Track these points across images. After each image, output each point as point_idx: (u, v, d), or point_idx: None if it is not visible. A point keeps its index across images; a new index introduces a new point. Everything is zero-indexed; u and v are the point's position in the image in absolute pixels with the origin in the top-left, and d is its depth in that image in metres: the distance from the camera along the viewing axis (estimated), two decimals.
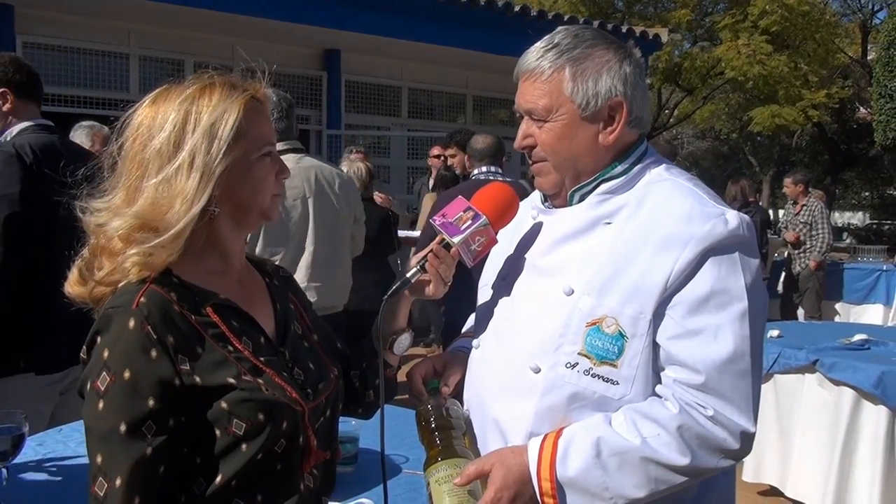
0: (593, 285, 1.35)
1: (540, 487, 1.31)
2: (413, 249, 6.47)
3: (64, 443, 2.16)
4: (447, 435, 1.43)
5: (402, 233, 6.50)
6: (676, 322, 1.31)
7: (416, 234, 6.56)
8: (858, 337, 4.16)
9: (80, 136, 4.31)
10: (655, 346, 1.33)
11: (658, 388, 1.34)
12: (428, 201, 6.83)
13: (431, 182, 7.02)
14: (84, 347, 1.20)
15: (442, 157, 7.19)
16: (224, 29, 8.23)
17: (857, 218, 33.86)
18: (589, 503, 1.31)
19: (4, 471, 1.73)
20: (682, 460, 1.28)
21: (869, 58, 21.15)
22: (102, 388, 1.13)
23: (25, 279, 2.62)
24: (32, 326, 2.65)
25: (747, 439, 1.32)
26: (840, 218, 32.40)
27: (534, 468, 1.32)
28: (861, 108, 23.28)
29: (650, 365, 1.34)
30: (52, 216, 2.61)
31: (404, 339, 1.52)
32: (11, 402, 2.53)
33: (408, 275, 1.45)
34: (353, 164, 5.11)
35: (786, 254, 8.39)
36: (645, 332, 1.32)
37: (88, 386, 1.15)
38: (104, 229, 1.23)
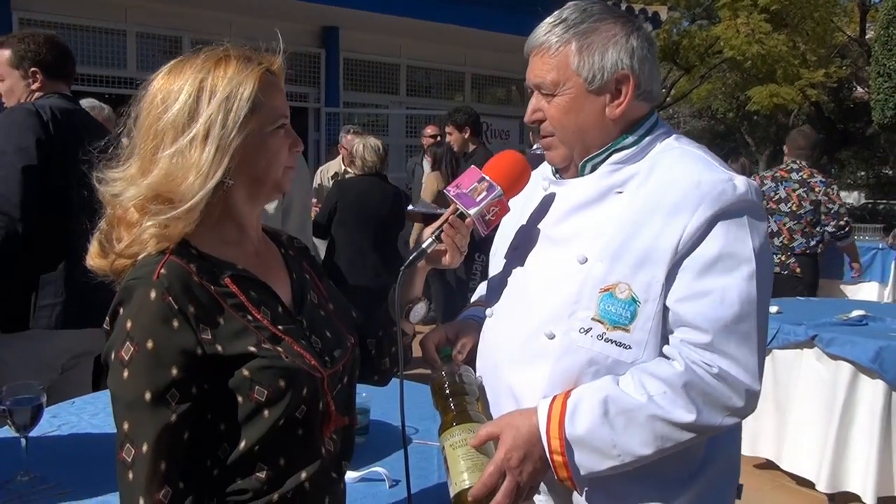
0: (606, 252, 1.38)
1: (549, 446, 1.34)
2: (415, 225, 6.51)
3: (77, 415, 2.19)
4: (461, 401, 1.46)
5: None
6: (685, 284, 1.34)
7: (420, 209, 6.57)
8: (856, 313, 4.20)
9: None
10: (666, 310, 1.36)
11: (665, 349, 1.37)
12: (432, 180, 6.80)
13: (427, 161, 6.99)
14: (107, 318, 1.21)
15: (438, 137, 7.21)
16: (221, 5, 8.19)
17: (852, 197, 33.90)
18: (597, 460, 1.34)
19: (24, 441, 1.75)
20: (688, 417, 1.32)
21: (867, 36, 21.08)
22: (127, 358, 1.15)
23: (40, 233, 2.71)
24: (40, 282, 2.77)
25: (752, 397, 1.35)
26: None
27: (543, 427, 1.35)
28: (858, 87, 23.24)
29: (661, 329, 1.37)
30: (65, 176, 2.74)
31: (420, 308, 1.55)
32: (23, 358, 2.60)
33: (423, 245, 1.47)
34: (368, 140, 5.06)
35: None
36: (657, 296, 1.35)
37: (113, 356, 1.17)
38: (119, 199, 1.25)
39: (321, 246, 5.35)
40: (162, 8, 8.20)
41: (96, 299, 2.55)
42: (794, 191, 5.52)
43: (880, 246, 8.02)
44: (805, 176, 5.52)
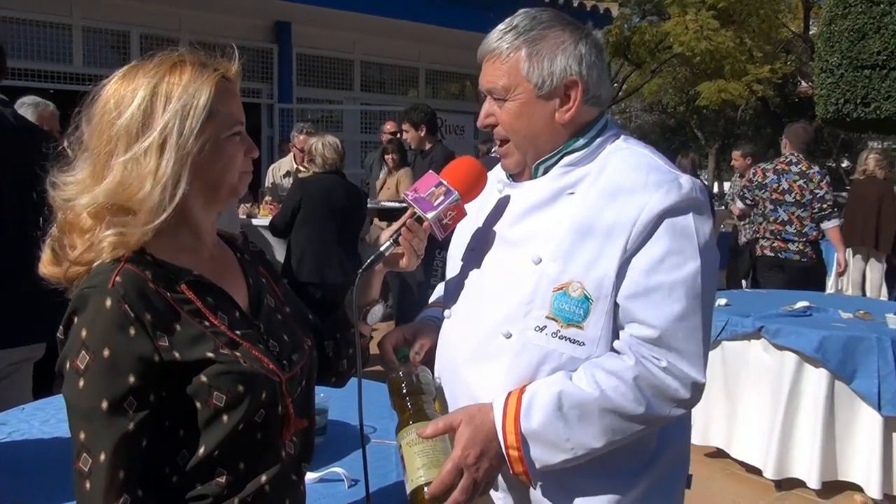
0: (559, 252, 1.41)
1: (505, 441, 1.38)
2: (374, 222, 6.51)
3: (28, 422, 2.15)
4: (418, 400, 1.48)
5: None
6: (634, 281, 1.39)
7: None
8: (801, 304, 4.34)
9: (25, 113, 4.17)
10: (617, 307, 1.41)
11: (615, 344, 1.42)
12: (404, 176, 6.73)
13: (390, 158, 6.97)
14: (61, 328, 1.20)
15: (397, 133, 7.21)
16: (171, 0, 8.05)
17: None
18: (551, 454, 1.38)
19: None
20: (638, 409, 1.37)
21: (811, 32, 21.64)
22: (82, 367, 1.14)
23: None
24: None
25: (697, 389, 1.41)
26: None
27: (499, 423, 1.38)
28: (803, 82, 23.85)
29: (613, 325, 1.41)
30: None
31: (377, 310, 1.57)
32: None
33: (381, 248, 1.49)
34: (326, 138, 5.01)
35: (732, 226, 8.62)
36: (609, 294, 1.39)
37: (68, 365, 1.16)
38: (71, 204, 1.24)
39: (279, 246, 5.31)
40: (110, 2, 8.02)
41: (29, 315, 2.47)
42: (795, 181, 5.85)
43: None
44: (804, 168, 5.86)
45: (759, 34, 19.39)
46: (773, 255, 5.94)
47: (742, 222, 8.28)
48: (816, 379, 3.85)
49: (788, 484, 3.99)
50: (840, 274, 6.35)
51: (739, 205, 6.55)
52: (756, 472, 4.09)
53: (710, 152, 25.75)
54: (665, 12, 19.75)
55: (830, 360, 3.77)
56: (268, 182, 6.71)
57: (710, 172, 25.83)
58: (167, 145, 1.21)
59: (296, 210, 4.91)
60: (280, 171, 6.66)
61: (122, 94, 1.23)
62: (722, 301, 4.51)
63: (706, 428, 4.32)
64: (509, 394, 1.41)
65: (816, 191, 5.78)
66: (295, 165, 6.46)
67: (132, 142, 1.21)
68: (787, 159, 5.96)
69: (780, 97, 23.86)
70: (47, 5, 7.79)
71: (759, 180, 6.01)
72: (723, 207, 9.01)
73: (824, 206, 5.79)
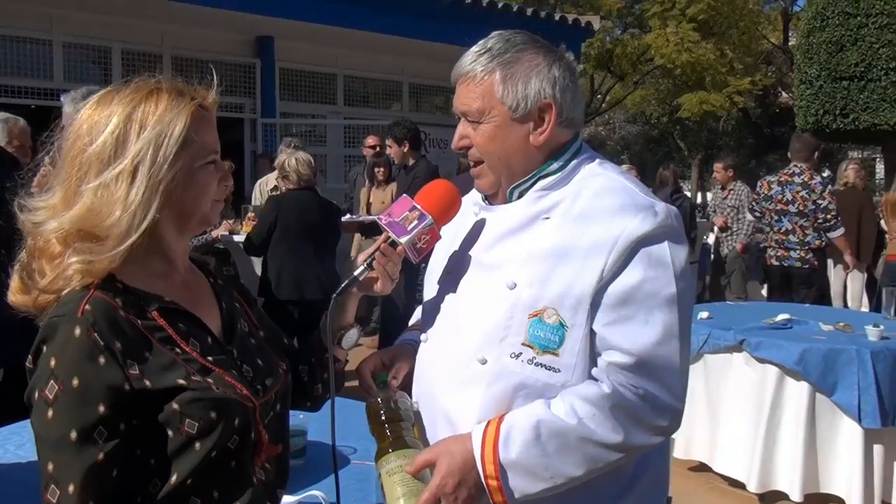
0: (534, 278, 1.41)
1: (484, 470, 1.37)
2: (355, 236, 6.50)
3: (2, 445, 2.13)
4: (397, 427, 1.47)
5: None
6: (611, 309, 1.38)
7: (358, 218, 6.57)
8: (782, 317, 4.36)
9: None
10: (593, 334, 1.40)
11: (593, 371, 1.41)
12: (364, 194, 6.85)
13: (381, 172, 7.01)
14: (30, 357, 1.19)
15: (377, 147, 7.23)
16: (152, 14, 8.03)
17: None
18: (531, 483, 1.37)
19: None
20: (616, 437, 1.36)
21: (790, 44, 21.89)
22: (51, 397, 1.13)
23: None
24: None
25: (675, 416, 1.41)
26: None
27: (478, 452, 1.37)
28: (783, 93, 24.11)
29: (589, 352, 1.41)
30: None
31: (352, 334, 1.56)
32: None
33: (355, 273, 1.48)
34: (298, 154, 5.01)
35: (713, 237, 8.68)
36: (584, 321, 1.39)
37: (36, 395, 1.15)
38: (41, 230, 1.22)
39: (256, 263, 5.28)
40: (90, 17, 7.98)
41: None
42: (797, 192, 6.04)
43: None
44: (806, 179, 6.04)
45: (740, 46, 19.64)
46: (777, 263, 6.20)
47: (724, 234, 8.35)
48: (797, 392, 3.86)
49: (772, 497, 4.00)
50: (851, 271, 6.57)
51: (720, 217, 6.69)
52: (739, 485, 4.09)
53: (693, 163, 25.93)
54: (646, 25, 19.95)
55: (811, 373, 3.79)
56: (255, 197, 6.69)
57: (693, 183, 26.01)
58: (139, 172, 1.20)
59: (272, 227, 4.88)
60: (268, 185, 6.66)
61: (96, 119, 1.22)
62: (704, 314, 4.53)
63: (689, 442, 4.32)
64: (488, 423, 1.40)
65: (819, 201, 5.96)
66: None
67: (103, 168, 1.20)
68: (791, 170, 6.15)
69: (762, 108, 24.11)
70: (27, 20, 7.75)
71: (766, 192, 6.25)
72: (705, 219, 9.07)
73: (828, 216, 5.96)
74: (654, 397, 1.37)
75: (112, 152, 1.20)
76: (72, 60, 8.21)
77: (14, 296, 1.25)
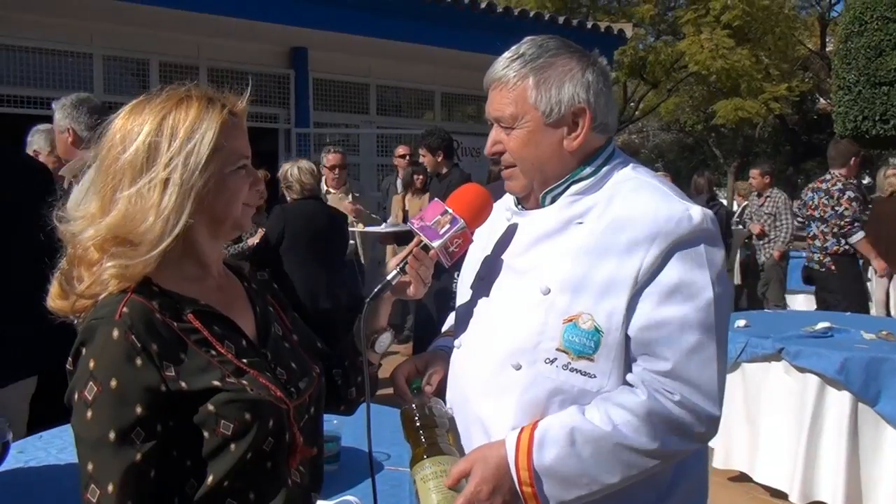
0: (568, 283, 1.39)
1: (518, 477, 1.35)
2: (390, 249, 6.53)
3: (45, 449, 2.16)
4: (431, 433, 1.47)
5: (371, 228, 6.53)
6: (646, 314, 1.36)
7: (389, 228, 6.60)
8: (822, 325, 4.27)
9: (39, 140, 4.22)
10: (628, 339, 1.38)
11: (628, 377, 1.39)
12: (397, 202, 6.88)
13: (399, 182, 7.05)
14: (69, 359, 1.21)
15: (407, 157, 7.26)
16: (189, 28, 8.16)
17: None
18: (565, 490, 1.36)
19: None
20: (652, 444, 1.34)
21: (828, 49, 21.56)
22: (90, 398, 1.15)
23: None
24: None
25: (713, 423, 1.38)
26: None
27: (512, 459, 1.36)
28: (821, 99, 23.74)
29: (624, 357, 1.39)
30: None
31: (385, 338, 1.56)
32: None
33: (388, 277, 1.49)
34: (300, 163, 4.85)
35: (751, 244, 8.55)
36: (619, 326, 1.37)
37: (76, 397, 1.17)
38: (79, 238, 1.25)
39: None
40: (129, 31, 8.15)
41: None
42: (821, 199, 6.27)
43: None
44: (829, 185, 6.21)
45: (776, 52, 19.37)
46: (807, 265, 6.55)
47: (761, 241, 8.22)
48: (839, 401, 3.78)
49: None
50: (882, 276, 6.55)
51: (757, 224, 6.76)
52: (781, 496, 4.01)
53: (729, 170, 25.60)
54: (680, 32, 19.79)
55: (853, 383, 3.70)
56: None
57: (728, 191, 25.68)
58: (171, 179, 1.22)
59: (280, 238, 4.84)
60: None
61: (129, 128, 1.25)
62: (741, 322, 4.46)
63: (728, 452, 4.25)
64: (522, 429, 1.39)
65: (836, 207, 6.07)
66: (326, 187, 6.54)
67: (137, 176, 1.22)
68: (824, 178, 6.35)
69: (799, 114, 23.76)
70: (69, 35, 7.93)
71: (803, 199, 6.53)
72: (741, 226, 8.93)
73: (842, 222, 6.06)
74: (690, 403, 1.35)
75: (145, 160, 1.22)
76: (111, 73, 8.38)
77: (53, 301, 1.27)
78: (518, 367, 1.42)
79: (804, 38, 22.47)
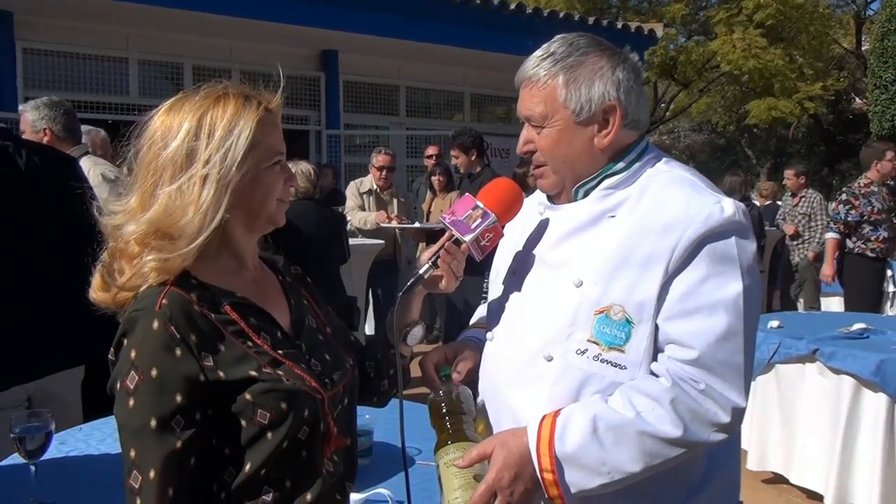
0: (600, 276, 1.40)
1: (539, 464, 1.36)
2: (421, 246, 6.56)
3: (85, 441, 2.22)
4: (457, 420, 1.49)
5: (405, 226, 6.57)
6: (674, 304, 1.37)
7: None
8: (857, 326, 4.21)
9: None
10: (657, 329, 1.39)
11: (653, 367, 1.40)
12: (427, 203, 6.91)
13: (436, 180, 7.07)
14: (112, 349, 1.24)
15: (435, 157, 7.29)
16: (221, 31, 8.28)
17: None
18: (587, 478, 1.36)
19: (33, 468, 1.78)
20: (675, 433, 1.34)
21: (864, 48, 21.20)
22: (132, 387, 1.18)
23: None
24: None
25: (737, 413, 1.38)
26: None
27: (533, 446, 1.37)
28: (857, 98, 23.35)
29: (654, 348, 1.39)
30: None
31: (417, 331, 1.58)
32: None
33: (420, 271, 1.51)
34: (299, 166, 4.79)
35: (785, 246, 8.44)
36: (650, 317, 1.37)
37: (118, 385, 1.20)
38: (120, 232, 1.28)
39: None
40: (163, 35, 8.29)
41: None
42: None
43: None
44: (846, 188, 6.55)
45: (810, 51, 19.08)
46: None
47: (794, 242, 8.11)
48: (875, 403, 3.72)
49: None
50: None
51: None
52: (816, 497, 3.96)
53: (762, 171, 25.27)
54: (711, 31, 19.58)
55: (889, 384, 3.64)
56: (352, 198, 6.85)
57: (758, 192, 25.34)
58: (210, 176, 1.25)
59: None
60: (362, 188, 6.82)
61: (168, 126, 1.28)
62: (774, 323, 4.41)
63: (762, 453, 4.20)
64: (544, 417, 1.39)
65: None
66: (375, 185, 6.71)
67: (177, 172, 1.25)
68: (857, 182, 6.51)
69: (834, 114, 23.38)
70: (105, 40, 8.09)
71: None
72: (774, 227, 8.82)
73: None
74: (715, 393, 1.35)
75: (185, 157, 1.26)
76: (146, 77, 8.53)
77: (95, 293, 1.31)
78: (549, 359, 1.43)
79: (839, 37, 22.10)
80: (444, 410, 1.50)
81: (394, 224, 6.47)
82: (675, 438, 1.34)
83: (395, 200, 6.76)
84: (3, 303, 2.49)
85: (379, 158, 6.65)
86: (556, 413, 1.39)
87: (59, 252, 2.44)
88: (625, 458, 1.34)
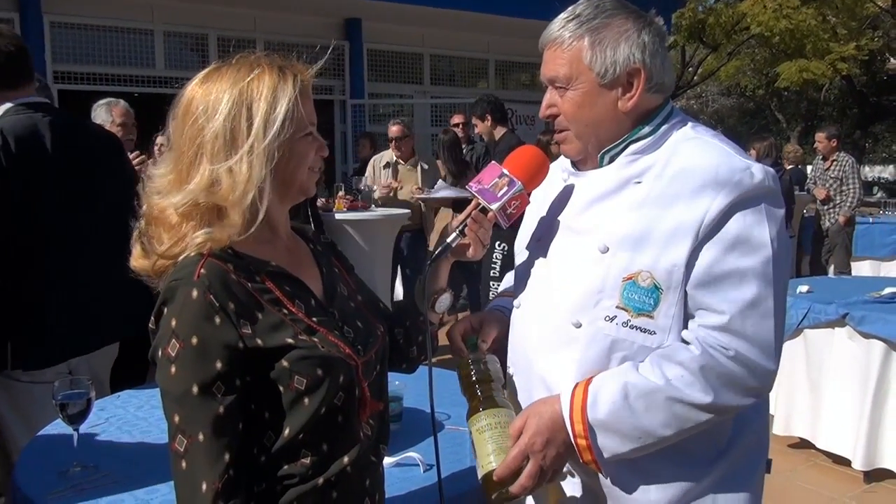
0: (627, 242, 1.41)
1: (573, 430, 1.39)
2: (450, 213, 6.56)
3: (123, 407, 2.28)
4: (487, 387, 1.52)
5: (428, 195, 6.56)
6: (704, 270, 1.37)
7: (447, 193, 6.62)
8: (888, 290, 4.17)
9: (101, 113, 4.41)
10: (687, 295, 1.40)
11: (683, 334, 1.41)
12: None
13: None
14: (152, 318, 1.28)
15: (461, 125, 7.27)
16: (245, 2, 8.28)
17: (887, 171, 33.21)
18: (620, 443, 1.39)
19: (75, 433, 1.85)
20: (705, 398, 1.35)
21: None
22: (173, 354, 1.22)
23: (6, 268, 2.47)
24: (18, 320, 2.51)
25: (768, 377, 1.39)
26: (870, 172, 31.76)
27: (566, 413, 1.40)
28: (891, 59, 22.74)
29: (684, 315, 1.41)
30: (33, 202, 2.49)
31: (445, 299, 1.61)
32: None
33: (448, 240, 1.53)
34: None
35: (814, 210, 8.33)
36: (679, 283, 1.38)
37: (160, 353, 1.24)
38: (159, 202, 1.31)
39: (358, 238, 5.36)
40: (188, 6, 8.31)
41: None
42: None
43: None
44: None
45: (843, 10, 18.54)
46: None
47: (825, 206, 8.00)
48: None
49: (878, 475, 3.86)
50: None
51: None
52: (841, 461, 3.97)
53: (793, 135, 24.79)
54: None
55: None
56: (368, 173, 6.88)
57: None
58: (253, 149, 1.27)
59: None
60: (381, 161, 6.84)
61: (208, 99, 1.29)
62: (803, 288, 4.38)
63: (788, 418, 4.21)
64: (576, 385, 1.42)
65: None
66: (395, 158, 6.76)
67: (220, 146, 1.27)
68: None
69: (868, 75, 22.81)
70: (130, 12, 8.13)
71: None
72: (805, 192, 8.69)
73: None
74: (745, 358, 1.36)
75: (228, 130, 1.27)
76: (172, 48, 8.59)
77: (136, 261, 1.35)
78: (578, 325, 1.45)
79: None
80: (474, 379, 1.53)
81: (418, 195, 6.48)
82: (706, 404, 1.36)
83: (418, 168, 6.76)
84: (62, 277, 2.56)
85: (391, 130, 6.72)
86: (588, 381, 1.41)
87: (107, 227, 2.49)
88: (656, 424, 1.37)
